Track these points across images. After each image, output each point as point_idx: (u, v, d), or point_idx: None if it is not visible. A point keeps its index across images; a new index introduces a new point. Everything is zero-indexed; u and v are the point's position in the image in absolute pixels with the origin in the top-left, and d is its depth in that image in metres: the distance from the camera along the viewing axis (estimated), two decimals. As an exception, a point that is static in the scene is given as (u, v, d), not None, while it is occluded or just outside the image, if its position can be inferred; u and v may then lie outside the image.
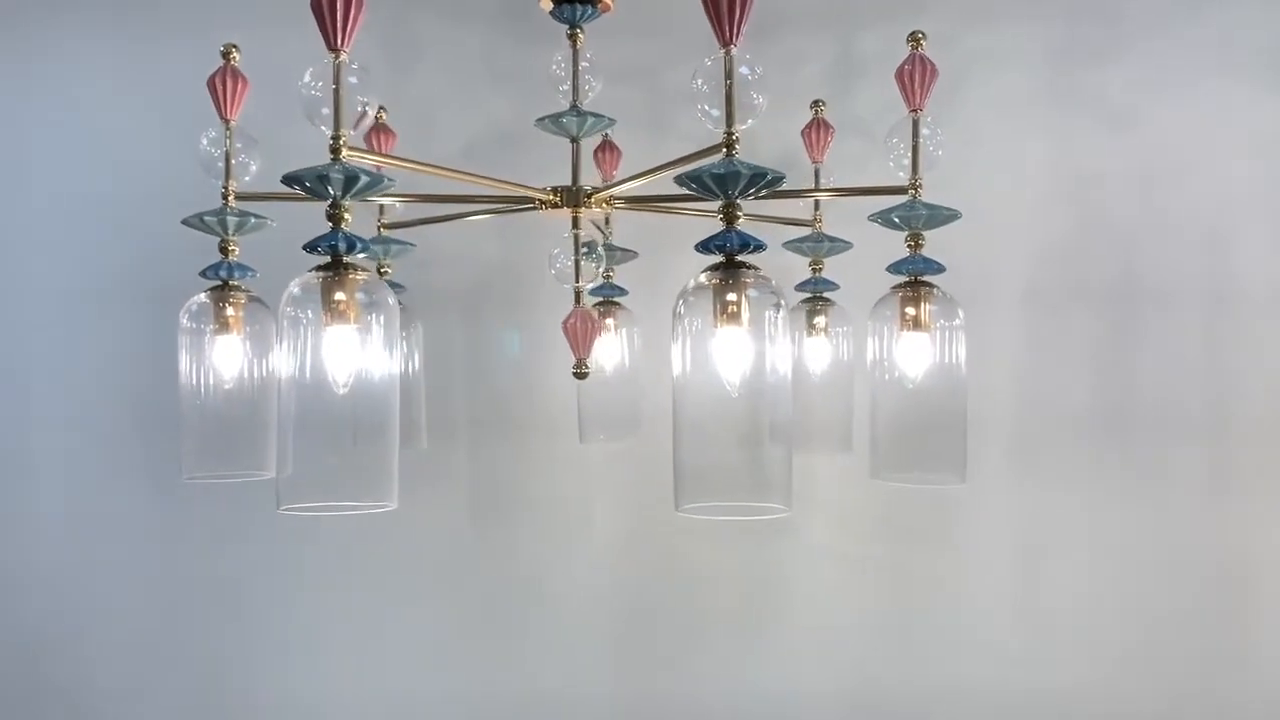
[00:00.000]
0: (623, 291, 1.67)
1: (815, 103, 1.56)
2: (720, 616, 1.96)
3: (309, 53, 1.02)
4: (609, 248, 1.62)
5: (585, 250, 1.36)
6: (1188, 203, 1.72)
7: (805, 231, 1.54)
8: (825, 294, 1.56)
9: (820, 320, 1.56)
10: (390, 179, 1.03)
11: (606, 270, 1.65)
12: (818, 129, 1.55)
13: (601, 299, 1.66)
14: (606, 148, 1.66)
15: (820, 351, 1.56)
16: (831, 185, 1.54)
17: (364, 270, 1.03)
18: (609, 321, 1.66)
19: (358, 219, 1.50)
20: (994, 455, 1.82)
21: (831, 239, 1.52)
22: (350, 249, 1.01)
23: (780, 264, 1.55)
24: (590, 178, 1.48)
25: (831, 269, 1.56)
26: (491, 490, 1.98)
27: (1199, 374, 1.74)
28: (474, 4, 1.97)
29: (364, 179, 0.99)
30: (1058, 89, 1.80)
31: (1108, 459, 1.80)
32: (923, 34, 1.25)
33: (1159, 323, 1.76)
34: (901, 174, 1.27)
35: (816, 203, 1.55)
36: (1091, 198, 1.78)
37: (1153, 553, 1.78)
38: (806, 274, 1.56)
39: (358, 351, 1.02)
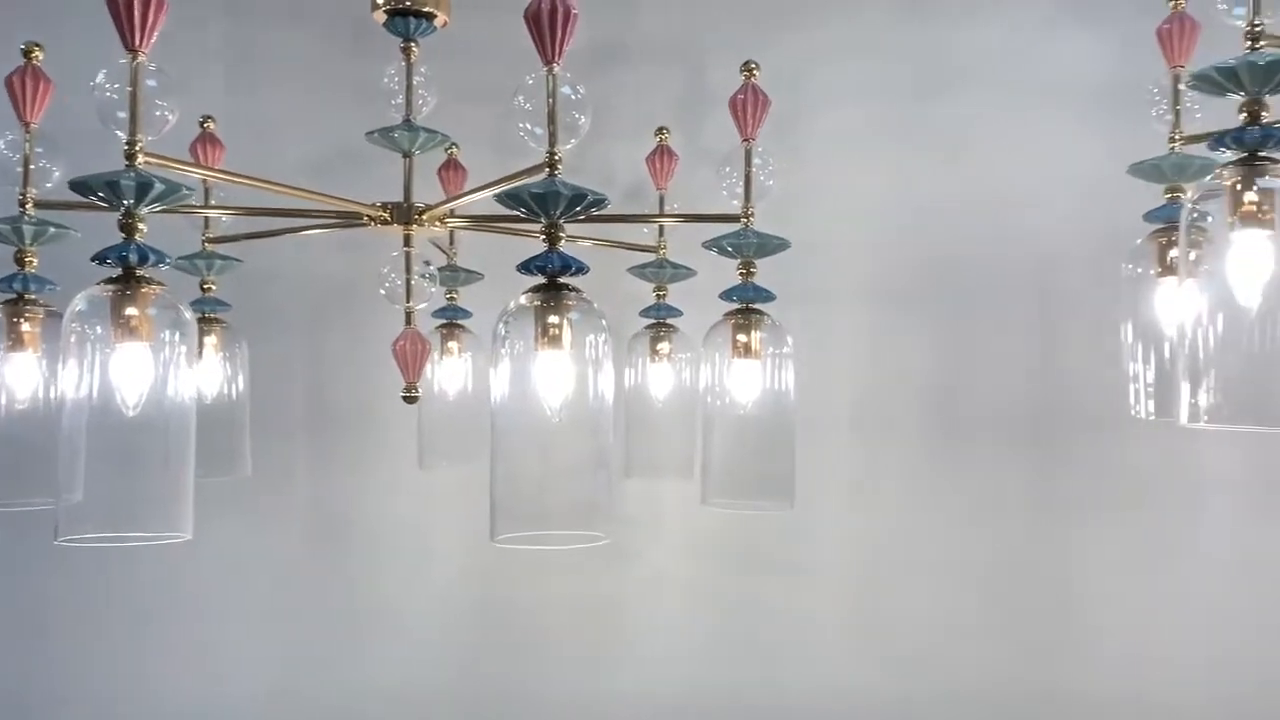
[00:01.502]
0: (467, 314, 1.63)
1: (659, 130, 1.55)
2: (562, 644, 1.93)
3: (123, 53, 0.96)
4: (453, 269, 1.59)
5: (421, 270, 1.32)
6: (1016, 233, 1.78)
7: (650, 258, 1.54)
8: (669, 320, 1.55)
9: (664, 346, 1.55)
10: (189, 188, 0.97)
11: (450, 292, 1.62)
12: (662, 156, 1.54)
13: (445, 321, 1.62)
14: (451, 166, 1.63)
15: (663, 378, 1.56)
16: (675, 212, 1.53)
17: (159, 284, 0.96)
18: (451, 344, 1.62)
19: (183, 233, 1.46)
20: (832, 477, 1.84)
21: (675, 265, 1.52)
22: (143, 260, 0.95)
23: (626, 290, 1.56)
24: (434, 197, 1.45)
25: (676, 295, 1.56)
26: (327, 517, 1.91)
27: (1026, 393, 1.79)
28: (316, 15, 1.92)
29: (159, 187, 0.94)
30: (895, 123, 1.85)
31: (939, 476, 1.84)
32: (755, 64, 1.25)
33: (988, 347, 1.81)
34: (735, 202, 1.28)
35: (661, 229, 1.54)
36: (926, 227, 1.83)
37: (984, 566, 1.81)
38: (651, 300, 1.55)
39: (150, 371, 0.95)
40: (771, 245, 1.25)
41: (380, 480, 1.90)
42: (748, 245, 1.25)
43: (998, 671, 1.78)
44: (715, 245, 1.27)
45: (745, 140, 1.26)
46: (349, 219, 1.31)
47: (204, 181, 1.40)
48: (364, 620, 1.92)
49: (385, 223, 1.30)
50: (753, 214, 1.26)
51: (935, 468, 1.82)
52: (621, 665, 1.93)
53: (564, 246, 1.03)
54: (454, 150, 1.62)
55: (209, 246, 1.46)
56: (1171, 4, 1.23)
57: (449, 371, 1.63)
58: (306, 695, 1.90)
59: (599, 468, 1.04)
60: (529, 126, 1.03)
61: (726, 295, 1.28)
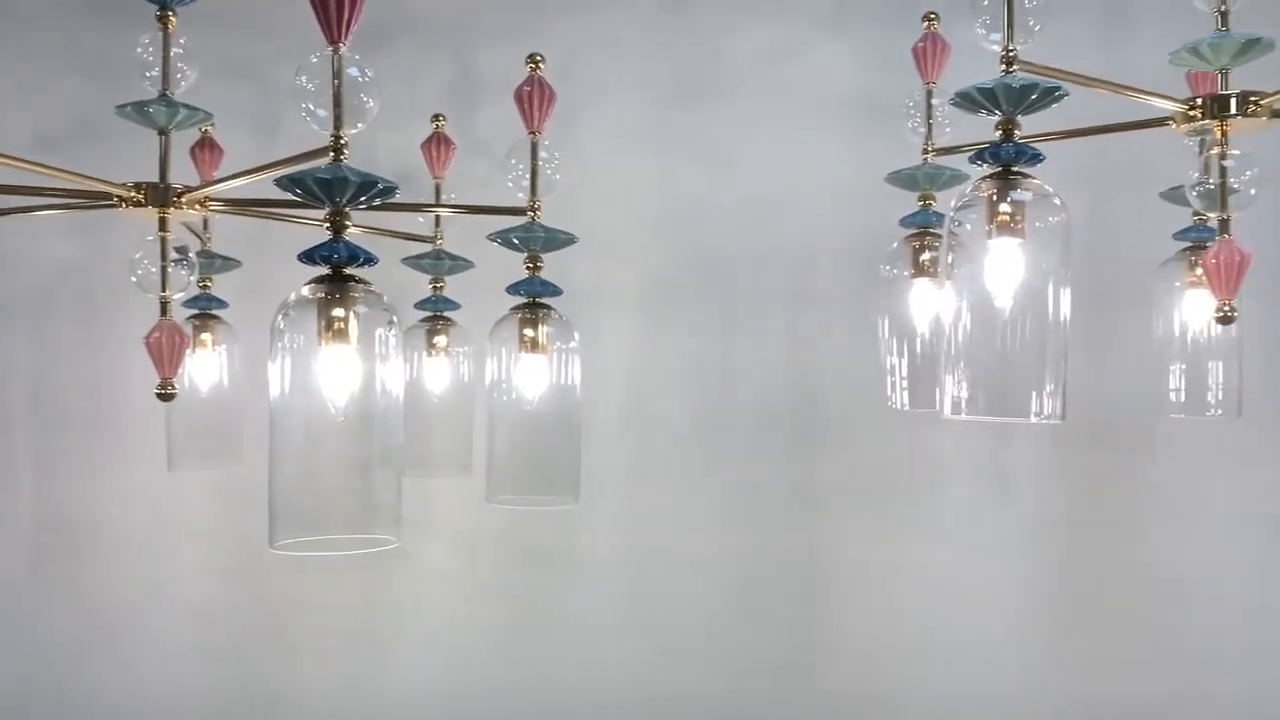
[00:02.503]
0: (222, 304, 1.53)
1: (436, 117, 1.52)
2: (329, 649, 1.85)
3: None
4: (207, 255, 1.48)
5: (176, 257, 1.22)
6: (779, 234, 1.87)
7: (426, 248, 1.50)
8: (446, 313, 1.52)
9: (440, 340, 1.52)
10: None
11: (203, 280, 1.51)
12: (438, 144, 1.51)
13: (198, 311, 1.51)
14: (206, 145, 1.51)
15: (440, 372, 1.52)
16: (452, 202, 1.50)
17: None
18: (205, 337, 1.51)
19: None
20: (609, 473, 1.86)
21: (453, 257, 1.49)
22: None
23: (400, 281, 1.51)
24: (187, 177, 1.34)
25: (453, 288, 1.53)
26: (60, 527, 1.73)
27: (789, 387, 1.88)
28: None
29: None
30: (663, 122, 1.89)
31: (706, 470, 1.90)
32: (541, 57, 1.24)
33: (754, 343, 1.88)
34: (521, 195, 1.26)
35: (437, 219, 1.50)
36: (694, 226, 1.89)
37: (750, 556, 1.89)
38: (427, 292, 1.51)
39: None
40: (559, 240, 1.24)
41: (121, 484, 1.74)
42: (535, 239, 1.24)
43: (767, 659, 1.86)
44: (501, 238, 1.25)
45: (532, 133, 1.24)
46: (95, 199, 1.19)
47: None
48: (101, 633, 1.75)
49: (139, 204, 1.19)
50: (539, 208, 1.25)
51: (703, 461, 1.88)
52: (392, 665, 1.88)
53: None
54: (210, 129, 1.50)
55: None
56: (926, 25, 1.33)
57: (202, 366, 1.52)
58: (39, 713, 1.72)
59: (387, 468, 1.00)
60: (311, 108, 0.97)
61: (514, 289, 1.27)
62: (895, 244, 1.39)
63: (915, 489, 1.82)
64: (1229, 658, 1.72)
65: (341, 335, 0.97)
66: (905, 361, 1.38)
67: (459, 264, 1.48)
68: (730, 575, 1.87)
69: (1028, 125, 1.01)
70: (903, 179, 1.35)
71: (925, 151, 1.34)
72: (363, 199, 0.97)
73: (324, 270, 0.98)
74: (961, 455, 1.81)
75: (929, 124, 1.34)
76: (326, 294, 0.97)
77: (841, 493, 1.83)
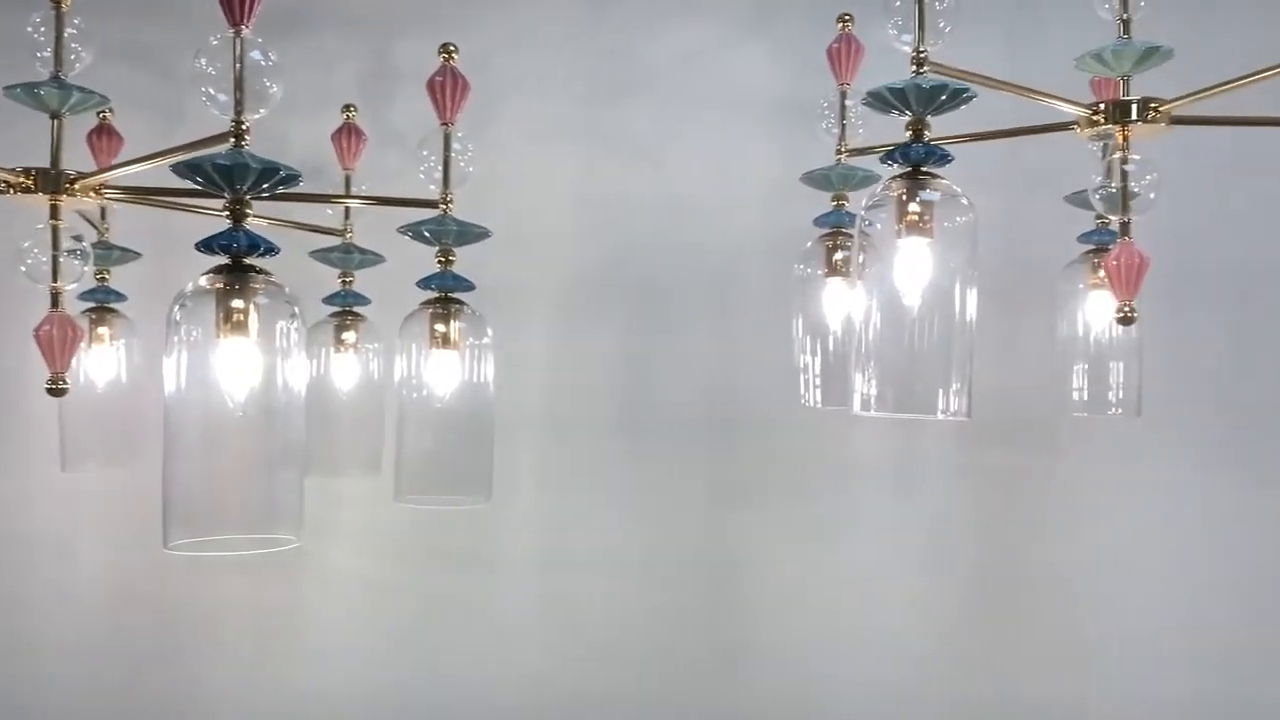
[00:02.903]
0: (120, 296, 1.47)
1: (347, 107, 1.48)
2: (233, 651, 1.79)
3: None
4: (104, 245, 1.42)
5: (71, 246, 1.17)
6: (699, 233, 1.86)
7: (335, 241, 1.46)
8: (355, 309, 1.48)
9: (349, 336, 1.48)
10: None
11: (100, 272, 1.45)
12: (349, 135, 1.47)
13: (94, 304, 1.45)
14: (104, 132, 1.45)
15: (349, 369, 1.49)
16: (364, 194, 1.47)
17: None
18: (102, 330, 1.45)
19: None
20: (523, 471, 1.84)
21: (363, 251, 1.45)
22: None
23: (307, 276, 1.47)
24: (85, 164, 1.29)
25: (363, 283, 1.50)
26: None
27: (707, 386, 1.88)
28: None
29: None
30: (585, 118, 1.87)
31: (624, 468, 1.88)
32: (454, 46, 1.22)
33: (673, 342, 1.87)
34: (433, 187, 1.24)
35: (347, 211, 1.47)
36: (619, 224, 1.87)
37: (665, 554, 1.87)
38: (335, 286, 1.48)
39: None
40: (472, 234, 1.22)
41: (15, 487, 1.67)
42: (448, 232, 1.21)
43: (684, 659, 1.86)
44: (413, 231, 1.23)
45: (444, 124, 1.22)
46: (-22, 184, 1.14)
47: None
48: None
49: (28, 190, 1.13)
50: (452, 200, 1.23)
51: (621, 459, 1.86)
52: (298, 667, 1.83)
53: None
54: (107, 114, 1.45)
55: None
56: (840, 26, 1.34)
57: (98, 361, 1.46)
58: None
59: (288, 466, 0.97)
60: (212, 92, 0.94)
61: (424, 283, 1.24)
62: (809, 243, 1.40)
63: (830, 487, 1.83)
64: (1130, 656, 1.77)
65: (241, 328, 0.94)
66: (818, 360, 1.39)
67: (369, 258, 1.44)
68: (647, 575, 1.86)
69: (940, 126, 1.02)
70: (816, 179, 1.36)
71: (839, 152, 1.35)
72: (264, 186, 0.94)
73: (223, 260, 0.95)
74: (875, 453, 1.83)
75: (843, 125, 1.35)
76: (225, 284, 0.94)
77: (759, 491, 1.84)
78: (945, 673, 1.80)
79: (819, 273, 1.39)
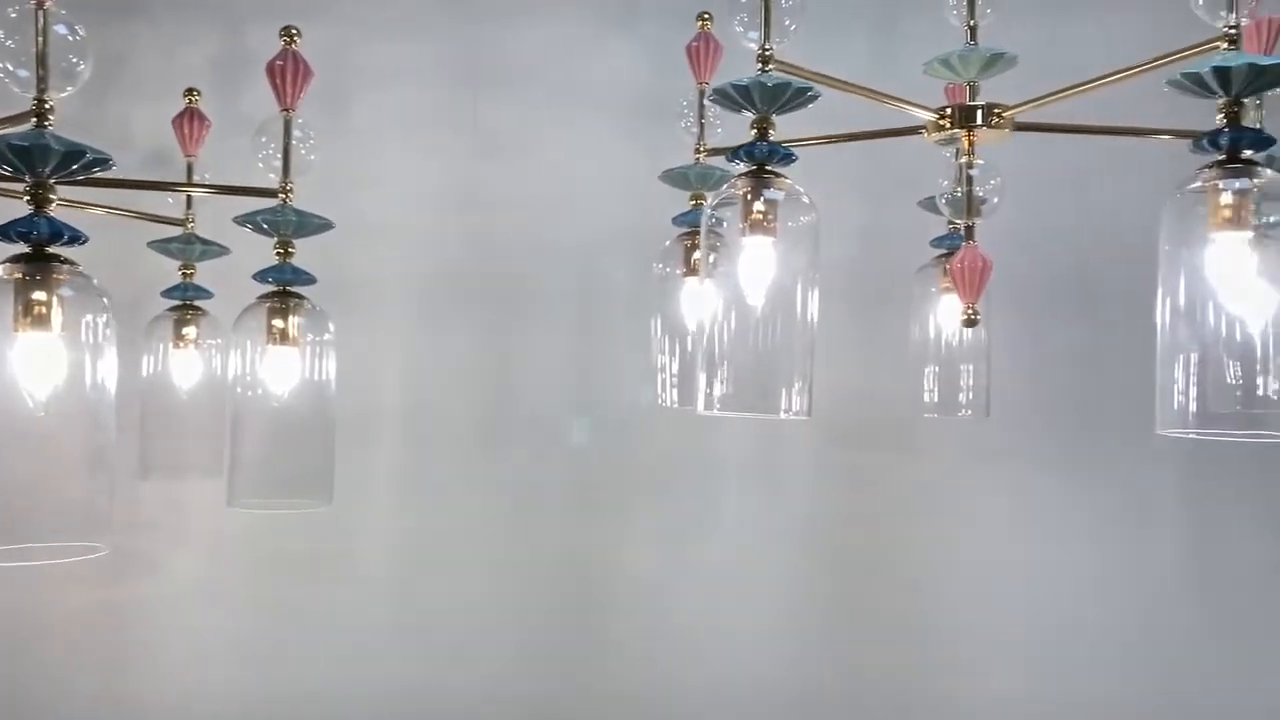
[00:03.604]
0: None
1: (189, 91, 1.41)
2: (66, 661, 1.70)
3: None
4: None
5: None
6: (562, 230, 1.84)
7: (176, 231, 1.39)
8: (196, 302, 1.41)
9: (190, 331, 1.41)
10: None
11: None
12: (190, 120, 1.40)
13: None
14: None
15: (189, 366, 1.41)
16: (206, 182, 1.40)
17: None
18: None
19: None
20: (379, 472, 1.79)
21: (206, 242, 1.38)
22: None
23: (147, 268, 1.40)
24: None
25: (206, 275, 1.43)
26: None
27: (567, 385, 1.86)
28: None
29: None
30: (446, 111, 1.83)
31: (483, 470, 1.85)
32: (296, 30, 1.17)
33: (533, 341, 1.84)
34: (272, 175, 1.18)
35: (189, 200, 1.39)
36: (480, 220, 1.83)
37: (525, 558, 1.85)
38: (176, 279, 1.41)
39: None
40: (312, 224, 1.17)
41: None
42: (286, 223, 1.16)
43: (545, 660, 1.83)
44: (249, 221, 1.17)
45: (284, 110, 1.17)
46: None
47: None
48: None
49: None
50: (292, 189, 1.17)
51: (480, 460, 1.83)
52: (136, 677, 1.74)
53: (59, 212, 0.89)
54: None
55: None
56: (699, 24, 1.32)
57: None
58: None
59: (98, 468, 0.91)
60: (10, 68, 0.87)
61: (262, 276, 1.18)
62: (668, 242, 1.38)
63: (689, 487, 1.83)
64: (987, 650, 1.81)
65: (42, 321, 0.88)
66: (675, 359, 1.37)
67: (211, 249, 1.37)
68: (507, 576, 1.82)
69: (792, 128, 1.01)
70: (675, 178, 1.34)
71: (698, 151, 1.34)
72: (70, 170, 0.88)
73: (23, 249, 0.88)
74: (735, 453, 1.83)
75: (701, 124, 1.33)
76: (24, 275, 0.88)
77: (619, 491, 1.82)
78: (807, 669, 1.82)
79: (678, 272, 1.38)
